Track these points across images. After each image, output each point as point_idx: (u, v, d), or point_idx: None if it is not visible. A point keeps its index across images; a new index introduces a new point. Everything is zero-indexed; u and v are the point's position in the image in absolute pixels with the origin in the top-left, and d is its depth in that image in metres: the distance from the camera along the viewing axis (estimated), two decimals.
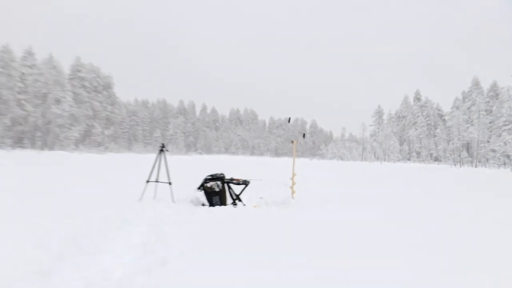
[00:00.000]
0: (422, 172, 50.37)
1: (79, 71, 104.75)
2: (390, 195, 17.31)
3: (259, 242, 7.19)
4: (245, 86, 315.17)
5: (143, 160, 59.15)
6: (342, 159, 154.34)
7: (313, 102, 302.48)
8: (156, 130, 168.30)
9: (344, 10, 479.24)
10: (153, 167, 12.42)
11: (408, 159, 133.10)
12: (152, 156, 74.69)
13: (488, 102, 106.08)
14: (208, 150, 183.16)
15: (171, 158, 71.91)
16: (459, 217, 11.15)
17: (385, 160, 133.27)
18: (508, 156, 78.79)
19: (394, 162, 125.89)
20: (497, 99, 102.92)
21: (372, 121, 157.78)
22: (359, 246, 7.10)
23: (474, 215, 11.67)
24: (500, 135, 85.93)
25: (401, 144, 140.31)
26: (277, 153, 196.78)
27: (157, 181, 12.47)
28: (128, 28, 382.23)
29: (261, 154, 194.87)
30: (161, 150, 12.55)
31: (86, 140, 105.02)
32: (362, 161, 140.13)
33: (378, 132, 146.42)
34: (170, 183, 12.25)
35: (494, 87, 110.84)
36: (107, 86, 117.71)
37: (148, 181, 12.26)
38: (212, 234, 7.77)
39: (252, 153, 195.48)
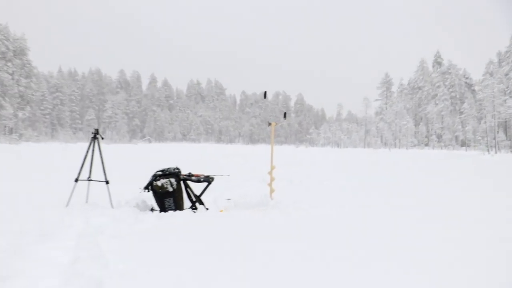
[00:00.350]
0: (444, 161, 50.78)
1: None
2: (400, 196, 17.48)
3: (223, 261, 7.24)
4: (208, 53, 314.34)
5: (72, 151, 58.74)
6: (338, 145, 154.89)
7: (298, 72, 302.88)
8: (89, 110, 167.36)
9: None
10: (84, 160, 12.24)
11: (426, 144, 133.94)
12: (84, 145, 74.22)
13: None
14: (159, 136, 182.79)
15: (109, 148, 71.71)
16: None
17: (395, 146, 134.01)
18: None
19: (407, 148, 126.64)
20: None
21: (378, 94, 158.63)
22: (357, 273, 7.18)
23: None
24: None
25: (416, 124, 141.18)
26: (252, 139, 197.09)
27: (90, 180, 12.32)
28: None
29: (231, 141, 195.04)
30: (94, 138, 12.41)
31: None
32: (364, 147, 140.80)
33: (386, 109, 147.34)
34: (107, 182, 12.19)
35: None
36: (20, 52, 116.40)
37: (77, 180, 12.13)
38: (163, 249, 7.80)
39: (219, 140, 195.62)
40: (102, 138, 12.66)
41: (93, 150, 12.30)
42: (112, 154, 46.21)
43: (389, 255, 7.48)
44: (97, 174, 12.67)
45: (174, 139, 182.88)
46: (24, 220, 9.32)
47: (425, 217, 11.33)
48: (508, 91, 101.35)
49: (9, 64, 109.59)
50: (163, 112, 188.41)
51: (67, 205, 11.66)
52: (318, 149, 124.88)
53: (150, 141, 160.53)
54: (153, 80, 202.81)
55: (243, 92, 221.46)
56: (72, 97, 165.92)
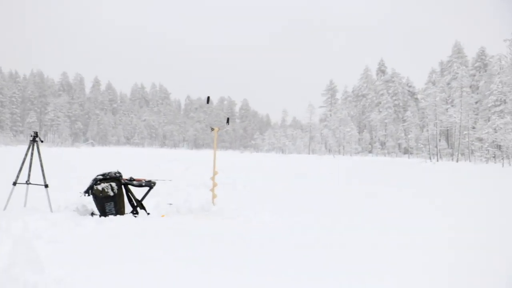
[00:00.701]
0: (386, 168, 51.48)
1: None
2: (340, 203, 17.67)
3: (162, 266, 7.22)
4: (151, 54, 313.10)
5: (11, 154, 57.92)
6: (282, 151, 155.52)
7: (244, 77, 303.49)
8: (30, 113, 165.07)
9: None
10: (23, 163, 12.12)
11: (370, 151, 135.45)
12: (24, 148, 73.27)
13: (474, 75, 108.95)
14: (102, 140, 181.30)
15: (50, 151, 70.98)
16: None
17: (339, 152, 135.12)
18: (498, 147, 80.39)
19: (351, 155, 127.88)
20: (486, 71, 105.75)
21: (323, 101, 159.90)
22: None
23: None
24: (488, 119, 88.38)
25: (360, 131, 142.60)
26: (196, 144, 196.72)
27: (29, 183, 12.18)
28: None
29: (175, 145, 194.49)
30: (34, 141, 12.25)
31: None
32: (309, 154, 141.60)
33: (331, 115, 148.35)
34: (46, 186, 12.03)
35: (481, 56, 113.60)
36: None
37: (15, 183, 12.01)
38: (102, 254, 7.74)
39: (163, 144, 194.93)
40: (42, 141, 12.54)
41: (32, 153, 12.14)
42: (52, 157, 45.69)
43: (325, 264, 7.55)
44: (37, 177, 12.50)
45: (117, 143, 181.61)
46: None
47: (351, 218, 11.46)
48: (450, 100, 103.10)
49: None
50: (107, 116, 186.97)
51: (4, 208, 11.50)
52: (262, 155, 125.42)
53: (93, 145, 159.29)
54: (96, 83, 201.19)
55: (188, 97, 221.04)
56: (13, 99, 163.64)
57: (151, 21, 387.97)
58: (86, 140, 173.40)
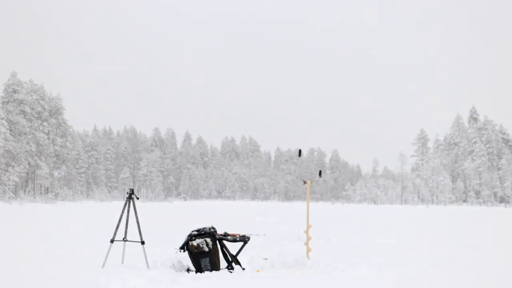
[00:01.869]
0: (483, 217, 50.20)
1: (15, 91, 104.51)
2: (440, 255, 17.29)
3: None
4: (242, 109, 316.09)
5: (107, 210, 59.04)
6: (374, 202, 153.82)
7: (333, 128, 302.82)
8: (124, 169, 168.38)
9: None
10: (120, 220, 12.27)
11: (464, 201, 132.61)
12: (119, 204, 74.53)
13: None
14: (194, 194, 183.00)
15: (144, 206, 71.91)
16: None
17: (432, 202, 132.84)
18: None
19: (445, 204, 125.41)
20: None
21: (414, 150, 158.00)
22: None
23: None
24: None
25: (453, 180, 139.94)
26: (287, 196, 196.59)
27: (126, 240, 12.28)
28: (82, 31, 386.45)
29: (266, 198, 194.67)
30: (130, 198, 12.42)
31: (28, 185, 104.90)
32: (401, 204, 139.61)
33: (422, 165, 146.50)
34: (143, 242, 12.14)
35: None
36: (56, 112, 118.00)
37: (113, 240, 12.12)
38: None
39: (254, 197, 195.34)
40: (137, 198, 12.70)
41: (128, 210, 12.30)
42: (147, 213, 46.28)
43: None
44: (133, 234, 12.67)
45: (209, 196, 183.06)
46: (61, 282, 9.30)
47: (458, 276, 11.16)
48: None
49: (45, 123, 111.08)
50: (198, 170, 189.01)
51: (103, 266, 11.65)
52: (354, 206, 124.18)
53: (185, 199, 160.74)
54: (187, 137, 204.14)
55: (278, 149, 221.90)
56: (107, 155, 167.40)
57: (237, 75, 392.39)
58: (178, 195, 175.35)
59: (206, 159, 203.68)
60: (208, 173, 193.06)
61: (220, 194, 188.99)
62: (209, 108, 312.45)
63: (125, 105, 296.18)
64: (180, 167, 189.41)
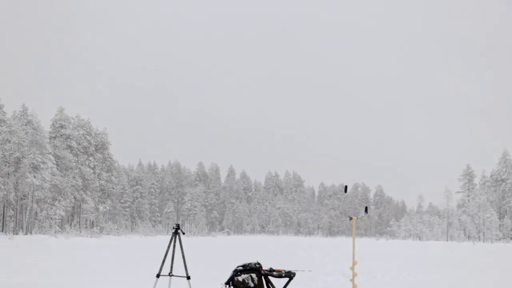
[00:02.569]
0: None
1: (62, 127, 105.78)
2: None
3: None
4: (285, 144, 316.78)
5: (152, 244, 59.39)
6: (419, 238, 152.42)
7: (377, 163, 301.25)
8: (168, 203, 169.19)
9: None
10: (166, 255, 12.28)
11: None
12: (164, 238, 74.91)
13: None
14: (238, 229, 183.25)
15: (188, 241, 72.06)
16: None
17: (479, 239, 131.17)
18: None
19: (492, 241, 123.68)
20: None
21: (460, 186, 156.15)
22: None
23: None
24: None
25: (500, 217, 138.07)
26: (331, 231, 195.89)
27: (171, 275, 12.29)
28: (124, 71, 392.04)
29: (310, 233, 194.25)
30: (176, 233, 12.49)
31: (74, 220, 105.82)
32: (447, 240, 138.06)
33: (469, 201, 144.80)
34: (188, 277, 12.15)
35: None
36: (101, 147, 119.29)
37: (159, 275, 12.17)
38: None
39: (298, 232, 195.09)
40: (183, 233, 12.76)
41: (174, 245, 12.36)
42: (191, 248, 46.42)
43: None
44: (178, 269, 12.71)
45: (252, 231, 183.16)
46: None
47: None
48: None
49: (91, 158, 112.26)
50: (242, 204, 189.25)
51: None
52: (399, 242, 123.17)
53: (228, 233, 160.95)
54: (231, 172, 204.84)
55: (322, 184, 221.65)
56: (152, 190, 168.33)
57: (281, 110, 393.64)
58: (222, 229, 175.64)
59: (250, 193, 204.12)
60: (251, 208, 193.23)
61: (263, 229, 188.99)
62: (252, 143, 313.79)
63: (169, 140, 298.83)
64: (224, 201, 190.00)
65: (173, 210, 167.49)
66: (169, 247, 12.33)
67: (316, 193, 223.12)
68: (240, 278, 11.71)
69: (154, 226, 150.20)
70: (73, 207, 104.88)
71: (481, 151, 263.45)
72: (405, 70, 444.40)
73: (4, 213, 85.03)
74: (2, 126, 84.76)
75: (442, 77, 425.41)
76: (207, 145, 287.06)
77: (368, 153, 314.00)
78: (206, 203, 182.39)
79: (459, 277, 21.96)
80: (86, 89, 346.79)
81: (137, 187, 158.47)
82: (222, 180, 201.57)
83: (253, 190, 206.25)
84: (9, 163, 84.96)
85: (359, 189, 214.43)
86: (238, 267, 12.00)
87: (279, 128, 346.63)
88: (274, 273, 12.29)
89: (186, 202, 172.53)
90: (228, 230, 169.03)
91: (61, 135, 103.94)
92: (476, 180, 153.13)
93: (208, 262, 28.12)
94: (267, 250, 47.91)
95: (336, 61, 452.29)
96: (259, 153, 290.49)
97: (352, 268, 13.98)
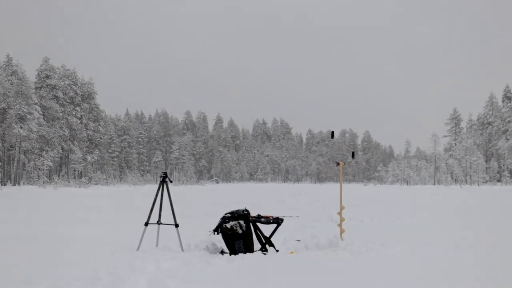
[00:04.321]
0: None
1: (48, 77, 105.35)
2: (475, 230, 17.21)
3: None
4: (273, 92, 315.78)
5: (140, 193, 59.37)
6: (407, 183, 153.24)
7: (365, 109, 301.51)
8: (156, 152, 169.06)
9: None
10: (154, 204, 12.33)
11: (498, 180, 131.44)
12: (152, 188, 74.98)
13: None
14: (226, 177, 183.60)
15: (177, 189, 72.19)
16: None
17: (466, 182, 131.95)
18: None
19: (478, 184, 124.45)
20: None
21: (447, 130, 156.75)
22: None
23: None
24: None
25: (487, 160, 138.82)
26: (319, 178, 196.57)
27: (160, 223, 12.37)
28: (112, 21, 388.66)
29: (298, 180, 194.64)
30: (163, 181, 12.49)
31: (62, 170, 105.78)
32: (434, 184, 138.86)
33: (456, 145, 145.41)
34: (177, 225, 12.18)
35: None
36: (88, 97, 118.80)
37: (147, 224, 12.22)
38: None
39: (286, 179, 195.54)
40: (171, 182, 12.73)
41: (162, 194, 12.40)
42: (179, 196, 46.47)
43: None
44: (166, 217, 12.77)
45: (241, 179, 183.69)
46: (96, 265, 9.37)
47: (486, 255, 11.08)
48: None
49: (77, 108, 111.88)
50: (230, 153, 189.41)
51: (137, 249, 11.75)
52: (387, 187, 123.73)
53: (217, 182, 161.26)
54: (219, 120, 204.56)
55: (309, 131, 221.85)
56: (140, 139, 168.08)
57: (267, 58, 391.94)
58: (210, 177, 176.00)
59: (238, 142, 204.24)
60: (239, 156, 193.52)
61: (252, 177, 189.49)
62: (240, 91, 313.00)
63: (156, 89, 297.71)
64: (212, 150, 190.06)
65: (161, 159, 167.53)
66: (156, 195, 12.34)
67: (304, 140, 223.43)
68: (228, 225, 11.76)
69: (142, 175, 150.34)
70: (61, 158, 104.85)
71: (468, 95, 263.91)
72: (388, 18, 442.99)
73: None
74: None
75: (425, 23, 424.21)
76: (194, 94, 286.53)
77: (356, 99, 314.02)
78: (194, 152, 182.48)
79: (445, 220, 22.08)
80: (71, 39, 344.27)
81: (124, 136, 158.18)
82: (210, 128, 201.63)
83: (241, 138, 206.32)
84: None
85: (347, 135, 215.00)
86: (226, 214, 12.03)
87: (265, 75, 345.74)
88: (262, 219, 12.33)
89: (174, 151, 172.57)
90: (216, 178, 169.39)
91: (47, 86, 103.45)
92: (463, 124, 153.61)
93: (197, 210, 28.15)
94: (256, 198, 47.95)
95: (323, 10, 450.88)
96: (246, 102, 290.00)
97: (340, 213, 14.05)
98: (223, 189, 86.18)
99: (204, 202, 39.77)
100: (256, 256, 11.24)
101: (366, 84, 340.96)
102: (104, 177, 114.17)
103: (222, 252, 11.82)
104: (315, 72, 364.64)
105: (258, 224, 12.33)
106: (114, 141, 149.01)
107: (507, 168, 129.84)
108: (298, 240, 13.23)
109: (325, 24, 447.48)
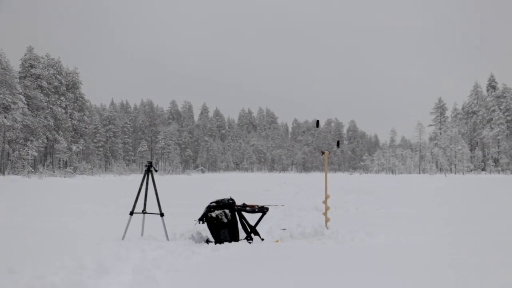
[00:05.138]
0: (504, 186, 50.03)
1: (32, 66, 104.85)
2: (460, 219, 17.31)
3: None
4: (258, 82, 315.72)
5: (126, 183, 59.29)
6: (392, 171, 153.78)
7: (350, 98, 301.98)
8: (142, 142, 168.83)
9: None
10: (139, 193, 12.34)
11: (483, 169, 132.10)
12: (137, 177, 74.90)
13: None
14: (212, 166, 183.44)
15: (162, 179, 72.16)
16: None
17: (450, 171, 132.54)
18: None
19: (463, 173, 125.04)
20: None
21: (432, 119, 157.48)
22: None
23: None
24: None
25: (472, 149, 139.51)
26: (305, 167, 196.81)
27: (145, 212, 12.34)
28: (96, 10, 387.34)
29: (284, 169, 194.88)
30: (148, 171, 12.48)
31: (47, 160, 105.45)
32: (419, 173, 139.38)
33: (440, 134, 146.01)
34: (162, 214, 12.22)
35: None
36: (73, 86, 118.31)
37: (132, 213, 12.21)
38: (221, 282, 7.78)
39: (272, 169, 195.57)
40: (156, 171, 12.74)
41: (147, 183, 12.38)
42: (165, 186, 46.45)
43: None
44: (152, 206, 12.77)
45: (227, 168, 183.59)
46: (81, 254, 9.36)
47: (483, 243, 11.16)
48: None
49: (62, 98, 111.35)
50: (216, 142, 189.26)
51: (123, 238, 11.74)
52: (372, 176, 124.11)
53: (203, 171, 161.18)
54: (204, 110, 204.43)
55: (295, 120, 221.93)
56: (125, 129, 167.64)
57: (253, 48, 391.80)
58: (196, 167, 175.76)
59: (224, 131, 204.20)
60: (225, 146, 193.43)
61: (237, 166, 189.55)
62: (225, 81, 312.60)
63: (142, 79, 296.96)
64: (198, 139, 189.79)
65: (147, 149, 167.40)
66: (141, 185, 12.34)
67: (290, 130, 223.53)
68: (213, 214, 11.77)
69: (128, 165, 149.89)
70: (46, 148, 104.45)
71: (453, 84, 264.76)
72: (372, 4, 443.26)
73: None
74: None
75: (410, 12, 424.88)
76: (179, 84, 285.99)
77: (341, 89, 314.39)
78: (180, 142, 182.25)
79: (431, 209, 22.18)
80: (54, 29, 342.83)
81: (110, 126, 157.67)
82: (196, 118, 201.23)
83: (227, 127, 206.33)
84: None
85: (332, 124, 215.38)
86: (211, 203, 12.04)
87: (251, 65, 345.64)
88: (247, 208, 12.35)
89: (160, 141, 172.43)
90: (202, 168, 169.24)
91: (31, 75, 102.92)
92: (448, 113, 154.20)
93: (182, 199, 28.14)
94: (241, 187, 48.02)
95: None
96: (232, 91, 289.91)
97: (325, 202, 14.09)
98: (208, 179, 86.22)
99: (190, 192, 39.79)
100: (241, 245, 11.27)
101: (352, 74, 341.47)
102: (89, 167, 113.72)
103: (208, 241, 11.83)
104: (300, 62, 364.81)
105: (244, 213, 12.35)
106: (99, 131, 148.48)
107: (492, 157, 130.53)
108: (284, 229, 13.25)
109: (308, 14, 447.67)
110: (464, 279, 7.72)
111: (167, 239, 11.81)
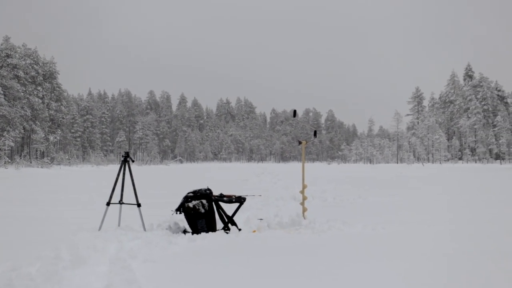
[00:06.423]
0: (478, 174, 50.40)
1: (8, 56, 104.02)
2: (436, 207, 17.39)
3: (259, 283, 7.19)
4: (236, 72, 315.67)
5: (103, 173, 59.13)
6: (370, 161, 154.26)
7: (328, 88, 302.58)
8: (120, 132, 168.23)
9: None
10: (115, 183, 12.25)
11: (460, 158, 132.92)
12: (115, 167, 74.68)
13: None
14: (190, 156, 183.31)
15: (140, 169, 72.03)
16: None
17: (428, 160, 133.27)
18: None
19: (440, 162, 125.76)
20: None
21: (409, 109, 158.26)
22: None
23: None
24: None
25: (449, 138, 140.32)
26: (283, 157, 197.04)
27: (122, 203, 12.30)
28: (75, 1, 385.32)
29: (262, 159, 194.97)
30: (125, 161, 12.41)
31: (24, 150, 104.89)
32: (397, 163, 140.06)
33: (418, 123, 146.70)
34: (139, 205, 12.13)
35: None
36: (50, 76, 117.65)
37: (109, 203, 12.13)
38: (197, 272, 7.78)
39: (250, 159, 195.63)
40: (133, 161, 12.69)
41: (123, 173, 12.32)
42: (143, 176, 46.38)
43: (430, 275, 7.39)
44: (129, 197, 12.74)
45: (205, 158, 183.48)
46: (57, 244, 9.32)
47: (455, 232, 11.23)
48: None
49: (39, 88, 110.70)
50: (194, 132, 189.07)
51: (99, 229, 11.67)
52: (350, 166, 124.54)
53: (181, 161, 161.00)
54: (182, 100, 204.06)
55: (273, 110, 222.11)
56: (103, 119, 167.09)
57: (232, 38, 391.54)
58: (174, 157, 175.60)
59: (202, 121, 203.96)
60: (203, 135, 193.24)
61: (216, 156, 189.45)
62: (203, 71, 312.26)
63: (119, 68, 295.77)
64: (176, 129, 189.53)
65: (125, 139, 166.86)
66: (118, 175, 12.29)
67: (268, 119, 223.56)
68: (190, 204, 11.75)
69: (105, 155, 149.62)
70: (23, 138, 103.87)
71: (430, 74, 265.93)
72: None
73: None
74: None
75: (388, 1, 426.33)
76: (157, 74, 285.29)
77: (320, 78, 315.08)
78: (158, 132, 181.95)
79: (408, 197, 22.26)
80: (31, 19, 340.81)
81: (87, 116, 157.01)
82: (174, 108, 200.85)
83: (205, 117, 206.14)
84: None
85: (310, 114, 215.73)
86: (188, 193, 12.02)
87: (229, 55, 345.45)
88: (225, 198, 12.35)
89: (138, 131, 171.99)
90: (180, 158, 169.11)
91: (8, 65, 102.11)
92: (425, 103, 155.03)
93: (160, 190, 28.11)
94: (219, 177, 48.03)
95: None
96: (210, 81, 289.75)
97: (302, 192, 14.12)
98: (187, 169, 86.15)
99: (167, 182, 39.75)
100: (218, 235, 11.27)
101: (330, 63, 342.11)
102: (67, 157, 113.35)
103: (185, 232, 11.82)
104: (279, 52, 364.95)
105: (221, 203, 12.35)
106: (77, 121, 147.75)
107: (468, 146, 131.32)
108: (261, 219, 13.26)
109: (294, 3, 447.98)
110: (438, 265, 7.77)
111: (144, 229, 11.77)
